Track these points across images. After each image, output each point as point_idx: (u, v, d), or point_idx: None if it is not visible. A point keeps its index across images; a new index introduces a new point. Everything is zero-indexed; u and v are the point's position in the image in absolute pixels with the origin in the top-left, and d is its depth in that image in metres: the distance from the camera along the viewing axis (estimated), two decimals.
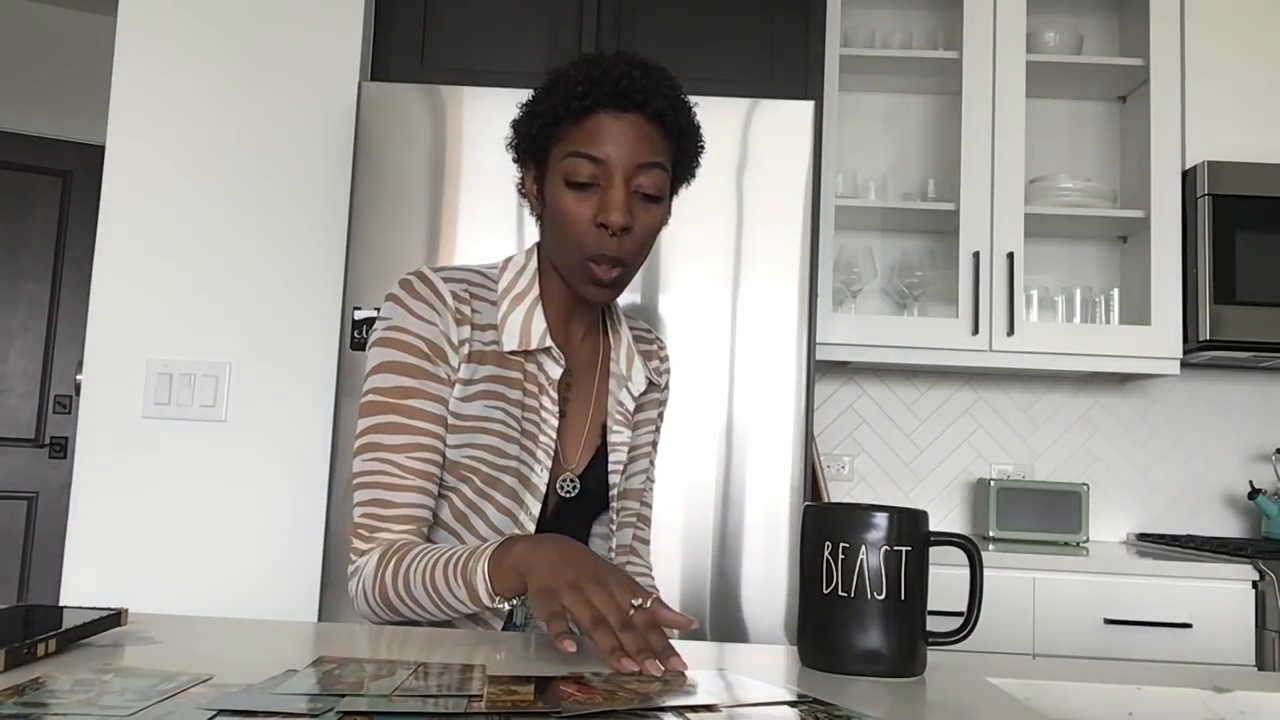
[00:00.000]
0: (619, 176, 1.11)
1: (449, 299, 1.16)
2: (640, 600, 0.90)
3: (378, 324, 1.18)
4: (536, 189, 1.20)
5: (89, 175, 3.82)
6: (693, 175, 1.22)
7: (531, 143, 1.17)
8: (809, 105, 2.16)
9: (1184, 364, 2.64)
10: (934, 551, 0.90)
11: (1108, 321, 2.76)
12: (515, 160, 1.21)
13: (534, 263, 1.23)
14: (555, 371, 1.19)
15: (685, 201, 2.05)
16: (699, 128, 1.19)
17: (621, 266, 1.13)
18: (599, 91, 1.10)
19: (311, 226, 2.34)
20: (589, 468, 1.24)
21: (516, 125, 1.19)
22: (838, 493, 2.86)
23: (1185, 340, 2.56)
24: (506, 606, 1.03)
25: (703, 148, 1.21)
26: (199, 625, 0.95)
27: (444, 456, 1.16)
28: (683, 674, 0.81)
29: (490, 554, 1.01)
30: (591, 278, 1.13)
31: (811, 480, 2.25)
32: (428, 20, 2.36)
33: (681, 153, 1.18)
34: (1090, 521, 2.82)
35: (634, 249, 1.14)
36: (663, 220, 1.18)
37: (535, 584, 0.93)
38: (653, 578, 1.36)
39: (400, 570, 1.08)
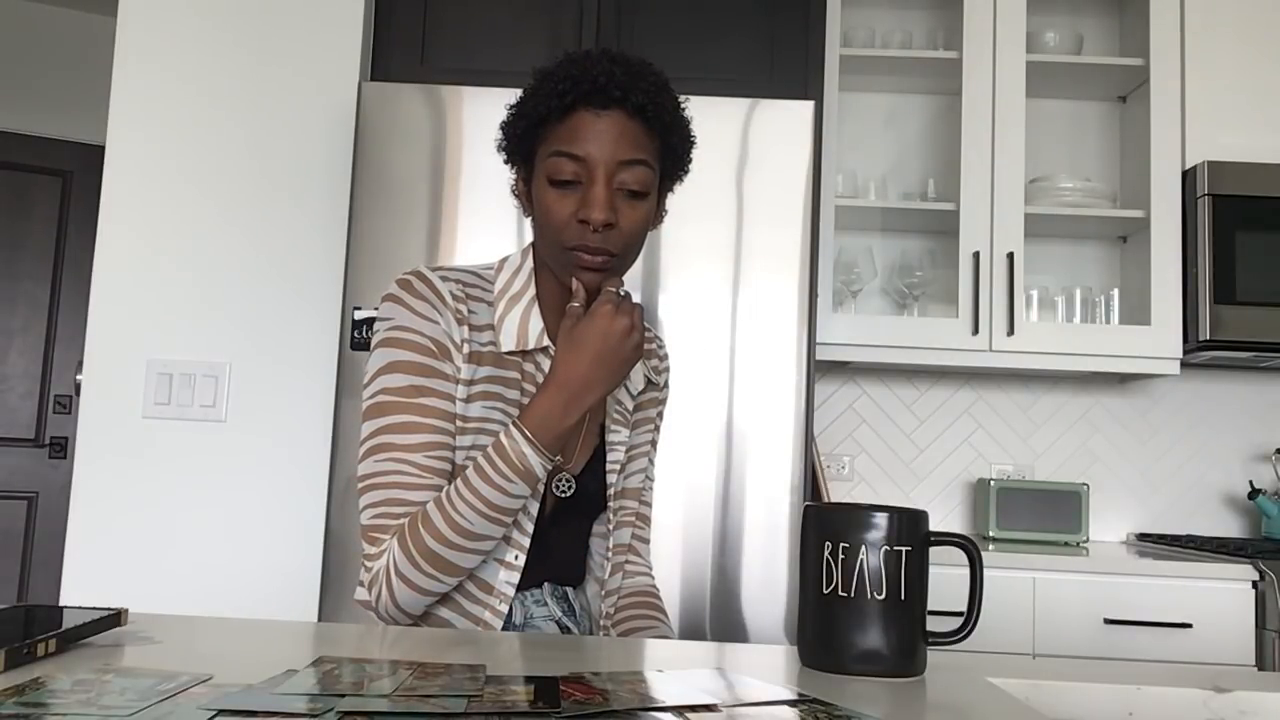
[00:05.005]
0: (600, 174, 1.10)
1: (448, 298, 1.15)
2: None
3: (379, 325, 1.17)
4: (526, 189, 1.19)
5: (89, 175, 3.82)
6: (685, 170, 1.21)
7: (518, 143, 1.17)
8: (809, 105, 2.16)
9: (1184, 364, 2.63)
10: (934, 551, 0.90)
11: (1108, 321, 2.76)
12: (506, 162, 1.21)
13: (530, 262, 1.22)
14: None
15: (685, 201, 2.06)
16: (688, 122, 1.18)
17: (607, 255, 1.12)
18: (579, 89, 1.10)
19: (311, 226, 2.34)
20: (586, 468, 1.24)
21: (504, 127, 1.18)
22: (838, 493, 2.86)
23: (1185, 340, 2.56)
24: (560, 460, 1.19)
25: (693, 142, 1.20)
26: (199, 625, 0.95)
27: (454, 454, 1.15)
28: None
29: (512, 428, 1.09)
30: (578, 264, 1.13)
31: (811, 480, 2.25)
32: (428, 20, 2.36)
33: (669, 148, 1.16)
34: (1090, 521, 2.82)
35: (619, 244, 1.13)
36: (651, 216, 1.17)
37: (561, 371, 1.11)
38: (652, 577, 1.36)
39: (430, 520, 1.08)
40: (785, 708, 0.72)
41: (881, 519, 0.87)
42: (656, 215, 1.21)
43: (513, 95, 1.20)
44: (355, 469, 1.19)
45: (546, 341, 1.19)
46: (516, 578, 1.15)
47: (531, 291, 1.20)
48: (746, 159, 2.14)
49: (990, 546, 2.43)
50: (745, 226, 2.13)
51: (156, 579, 2.24)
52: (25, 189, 3.87)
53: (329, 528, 2.11)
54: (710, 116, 2.10)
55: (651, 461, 1.36)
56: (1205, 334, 2.49)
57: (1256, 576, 2.22)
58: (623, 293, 1.14)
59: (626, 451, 1.28)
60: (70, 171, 3.91)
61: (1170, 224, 2.60)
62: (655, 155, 1.15)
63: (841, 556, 0.87)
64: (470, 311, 1.17)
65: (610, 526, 1.26)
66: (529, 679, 0.75)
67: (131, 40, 2.36)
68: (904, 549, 0.87)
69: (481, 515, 1.08)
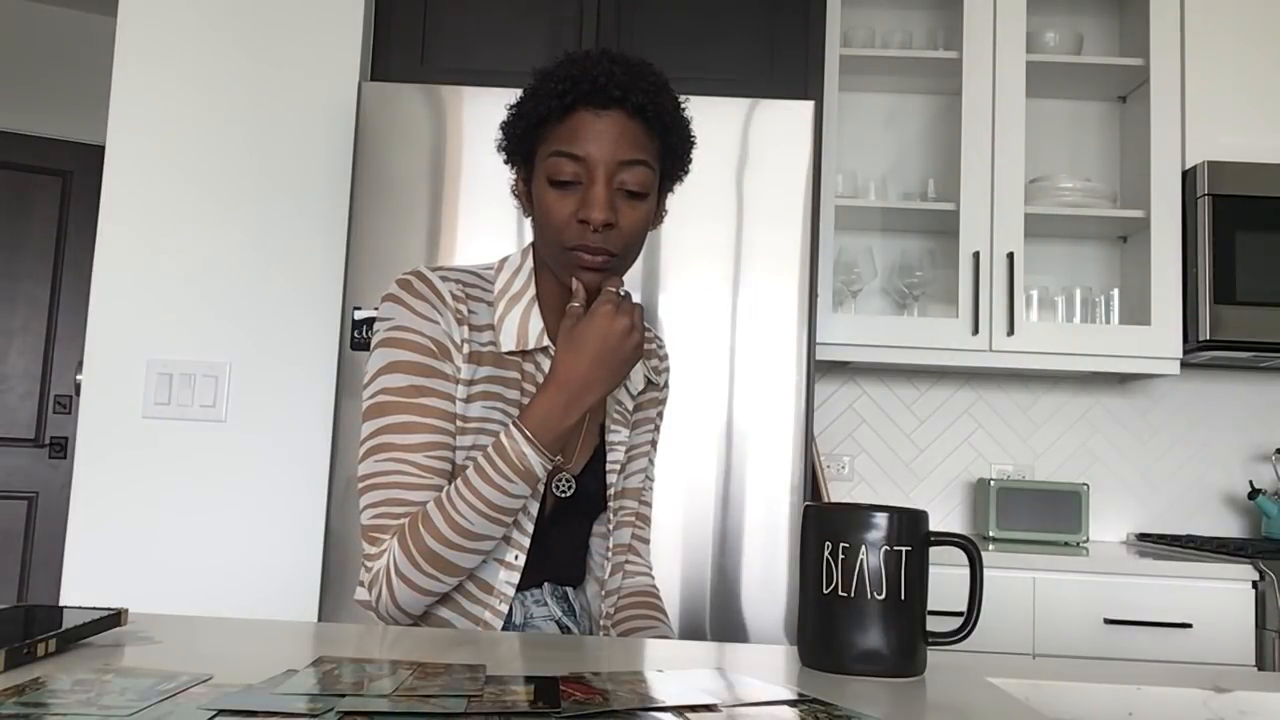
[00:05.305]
0: (600, 174, 1.10)
1: (448, 298, 1.16)
2: None
3: (379, 325, 1.17)
4: (526, 189, 1.19)
5: (89, 175, 3.82)
6: (685, 171, 1.21)
7: (518, 144, 1.17)
8: (809, 105, 2.16)
9: (1184, 364, 2.63)
10: (934, 551, 0.90)
11: (1108, 321, 2.76)
12: (506, 162, 1.21)
13: (530, 262, 1.22)
14: None
15: (685, 201, 2.06)
16: (687, 123, 1.18)
17: (608, 255, 1.12)
18: (579, 90, 1.10)
19: (311, 226, 2.34)
20: (586, 468, 1.24)
21: (504, 127, 1.19)
22: (838, 493, 2.86)
23: (1185, 340, 2.56)
24: (560, 460, 1.20)
25: (693, 143, 1.20)
26: (199, 625, 0.95)
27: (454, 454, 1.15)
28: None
29: (513, 428, 1.09)
30: (579, 264, 1.13)
31: (811, 480, 2.25)
32: (428, 20, 2.36)
33: (669, 148, 1.16)
34: (1090, 521, 2.82)
35: (619, 244, 1.13)
36: (651, 216, 1.17)
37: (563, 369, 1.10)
38: (652, 577, 1.36)
39: (430, 520, 1.08)
40: (785, 708, 0.72)
41: (881, 519, 0.87)
42: (656, 215, 1.21)
43: (513, 95, 1.20)
44: (355, 469, 1.19)
45: (546, 341, 1.19)
46: (516, 578, 1.15)
47: (531, 291, 1.20)
48: (746, 159, 2.14)
49: (990, 546, 2.43)
50: (745, 226, 2.13)
51: (157, 579, 2.24)
52: (25, 189, 3.87)
53: (329, 528, 2.11)
54: (710, 116, 2.10)
55: (651, 461, 1.36)
56: (1205, 334, 2.49)
57: (1256, 576, 2.22)
58: (623, 293, 1.14)
59: (626, 451, 1.28)
60: (70, 171, 3.91)
61: (1170, 224, 2.60)
62: (655, 155, 1.15)
63: (841, 556, 0.87)
64: (470, 311, 1.17)
65: (610, 526, 1.26)
66: (529, 679, 0.75)
67: (131, 40, 2.36)
68: (904, 549, 0.87)
69: (481, 515, 1.08)
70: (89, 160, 3.83)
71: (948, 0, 2.82)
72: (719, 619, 2.06)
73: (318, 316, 2.32)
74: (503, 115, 1.19)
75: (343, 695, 0.67)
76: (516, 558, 1.15)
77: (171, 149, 2.34)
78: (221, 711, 0.62)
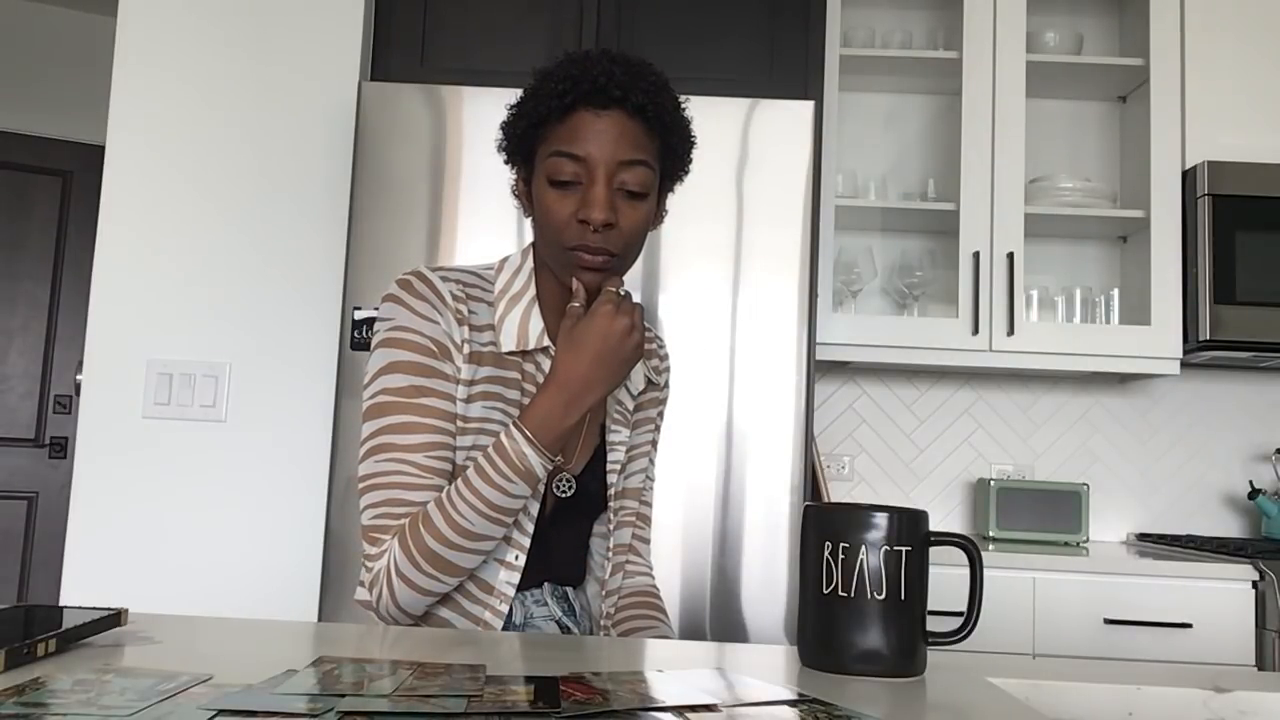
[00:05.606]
0: (600, 174, 1.10)
1: (448, 298, 1.16)
2: None
3: (379, 325, 1.17)
4: (526, 189, 1.19)
5: (89, 175, 3.82)
6: (685, 171, 1.21)
7: (519, 144, 1.17)
8: (809, 105, 2.16)
9: (1184, 364, 2.63)
10: (934, 551, 0.90)
11: (1108, 321, 2.76)
12: (506, 162, 1.21)
13: (530, 262, 1.22)
14: None
15: (685, 201, 2.06)
16: (688, 123, 1.18)
17: (608, 255, 1.12)
18: (579, 89, 1.10)
19: (311, 226, 2.34)
20: (587, 468, 1.23)
21: (505, 127, 1.19)
22: (838, 493, 2.86)
23: (1185, 340, 2.56)
24: (561, 460, 1.20)
25: (693, 142, 1.20)
26: (199, 625, 0.95)
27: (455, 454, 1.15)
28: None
29: (513, 428, 1.09)
30: (579, 263, 1.13)
31: (811, 480, 2.25)
32: (428, 20, 2.36)
33: (669, 149, 1.16)
34: (1090, 521, 2.82)
35: (619, 244, 1.13)
36: (651, 216, 1.17)
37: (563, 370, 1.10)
38: (653, 577, 1.36)
39: (430, 520, 1.08)
40: (785, 708, 0.72)
41: (881, 519, 0.87)
42: (657, 215, 1.21)
43: (513, 95, 1.20)
44: (356, 469, 1.19)
45: (547, 342, 1.19)
46: (517, 578, 1.15)
47: (532, 292, 1.20)
48: (746, 159, 2.14)
49: (990, 546, 2.43)
50: (745, 226, 2.13)
51: (157, 579, 2.24)
52: (25, 189, 3.87)
53: (329, 528, 2.11)
54: (710, 116, 2.10)
55: (652, 461, 1.35)
56: (1205, 334, 2.49)
57: (1256, 576, 2.22)
58: (623, 293, 1.14)
59: (627, 451, 1.28)
60: (70, 171, 3.91)
61: (1170, 224, 2.60)
62: (655, 155, 1.15)
63: (841, 556, 0.87)
64: (470, 312, 1.17)
65: (610, 526, 1.26)
66: (529, 679, 0.75)
67: (131, 40, 2.36)
68: (904, 549, 0.87)
69: (482, 515, 1.08)
70: (89, 160, 3.83)
71: (948, 0, 2.82)
72: (719, 619, 2.06)
73: (318, 316, 2.32)
74: (503, 115, 1.19)
75: (343, 695, 0.67)
76: (517, 558, 1.15)
77: (171, 149, 2.34)
78: (221, 711, 0.62)
